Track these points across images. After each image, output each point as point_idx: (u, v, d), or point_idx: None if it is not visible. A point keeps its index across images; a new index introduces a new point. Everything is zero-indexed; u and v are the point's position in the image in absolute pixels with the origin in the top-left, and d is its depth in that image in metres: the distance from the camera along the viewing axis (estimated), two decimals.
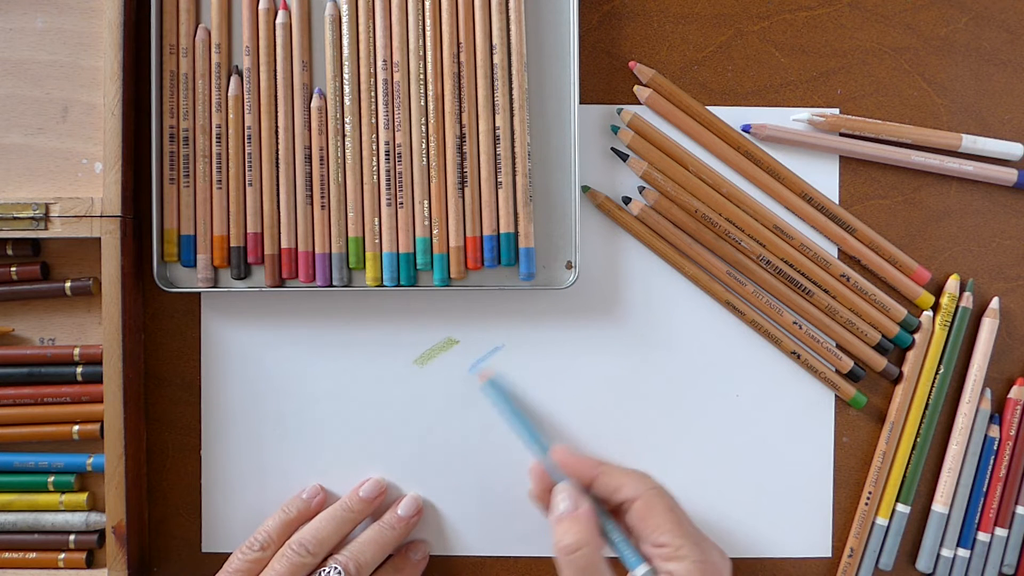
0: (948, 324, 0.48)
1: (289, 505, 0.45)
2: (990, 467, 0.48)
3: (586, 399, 0.48)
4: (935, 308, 0.48)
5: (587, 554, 0.39)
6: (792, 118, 0.48)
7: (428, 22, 0.45)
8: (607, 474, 0.42)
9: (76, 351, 0.46)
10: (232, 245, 0.45)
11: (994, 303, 0.48)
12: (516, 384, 0.48)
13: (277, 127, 0.45)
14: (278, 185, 0.45)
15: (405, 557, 0.46)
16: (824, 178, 0.48)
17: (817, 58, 0.48)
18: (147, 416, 0.48)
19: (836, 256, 0.48)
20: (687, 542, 0.39)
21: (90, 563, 0.46)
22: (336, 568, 0.42)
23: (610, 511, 0.42)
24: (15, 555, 0.46)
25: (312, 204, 0.46)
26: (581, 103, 0.47)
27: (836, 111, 0.48)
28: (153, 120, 0.45)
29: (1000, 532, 0.48)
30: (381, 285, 0.46)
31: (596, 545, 0.39)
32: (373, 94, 0.45)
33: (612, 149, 0.47)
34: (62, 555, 0.46)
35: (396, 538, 0.45)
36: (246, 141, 0.45)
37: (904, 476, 0.48)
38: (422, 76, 0.45)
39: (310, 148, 0.45)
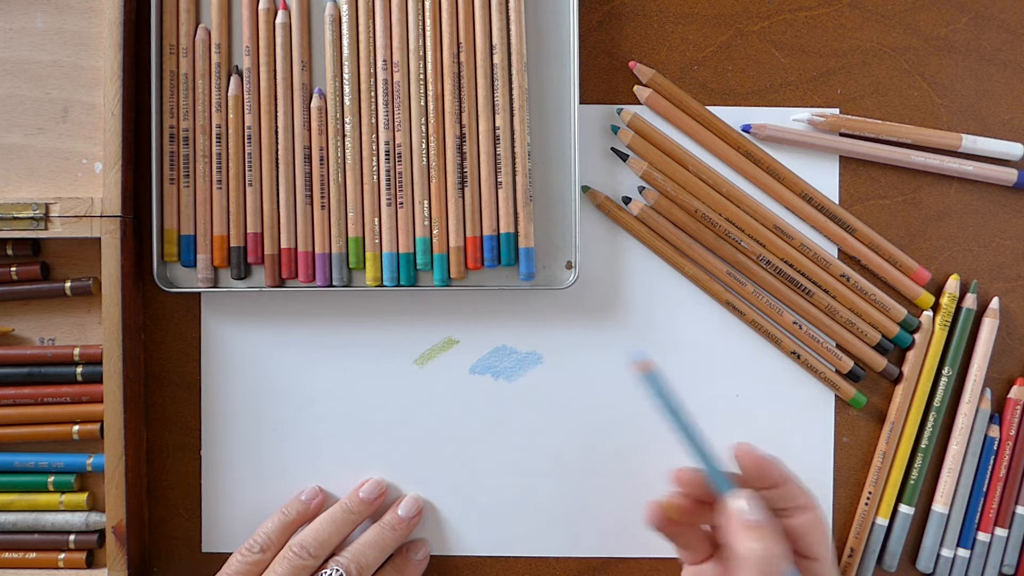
0: (948, 324, 0.48)
1: (288, 507, 0.45)
2: (990, 467, 0.48)
3: (586, 399, 0.48)
4: (935, 308, 0.48)
5: (784, 561, 0.37)
6: (792, 118, 0.48)
7: (428, 22, 0.45)
8: (790, 483, 0.40)
9: (76, 351, 0.46)
10: (232, 245, 0.45)
11: (994, 303, 0.48)
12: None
13: (277, 127, 0.45)
14: (278, 185, 0.45)
15: (406, 557, 0.46)
16: (824, 178, 0.48)
17: (817, 58, 0.48)
18: (147, 416, 0.48)
19: (836, 256, 0.48)
20: (835, 564, 0.40)
21: (90, 563, 0.46)
22: (337, 570, 0.42)
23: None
24: (15, 555, 0.46)
25: (312, 204, 0.46)
26: (581, 103, 0.47)
27: (836, 111, 0.48)
28: (153, 120, 0.45)
29: (1000, 532, 0.48)
30: (381, 285, 0.46)
31: (788, 559, 0.38)
32: (373, 94, 0.45)
33: (612, 149, 0.47)
34: (62, 555, 0.46)
35: (397, 539, 0.45)
36: (246, 141, 0.45)
37: (906, 476, 0.48)
38: (422, 76, 0.45)
39: (310, 148, 0.45)
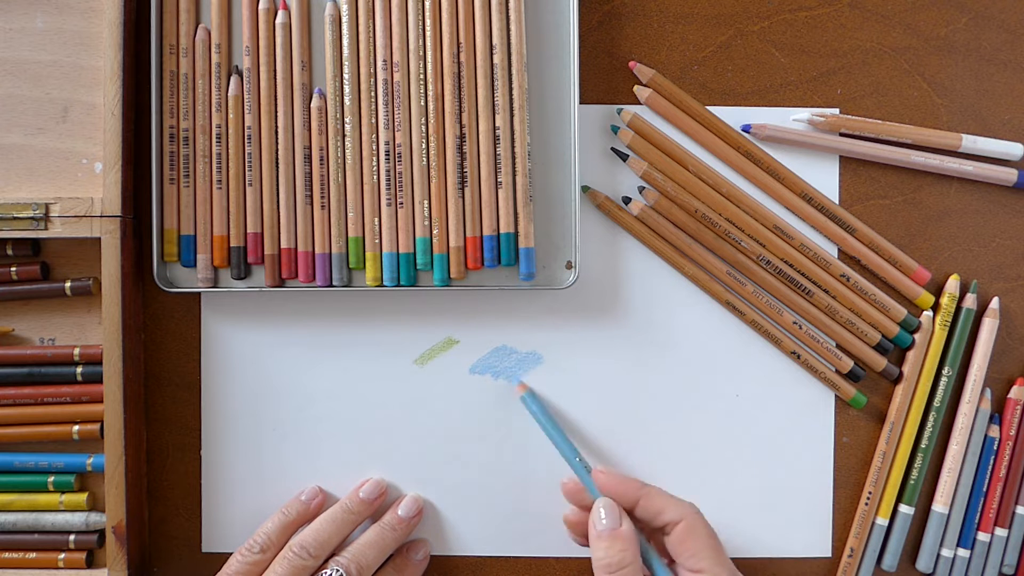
0: (948, 324, 0.48)
1: (288, 507, 0.45)
2: (990, 467, 0.48)
3: (586, 399, 0.48)
4: (935, 308, 0.48)
5: (631, 573, 0.39)
6: (792, 118, 0.48)
7: (428, 22, 0.45)
8: (650, 496, 0.41)
9: (76, 351, 0.46)
10: (232, 245, 0.45)
11: (994, 303, 0.48)
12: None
13: (277, 127, 0.45)
14: (278, 185, 0.45)
15: (406, 557, 0.46)
16: (824, 178, 0.48)
17: (817, 58, 0.48)
18: (147, 416, 0.48)
19: (836, 256, 0.48)
20: (724, 571, 0.39)
21: (90, 563, 0.46)
22: (337, 570, 0.42)
23: (647, 533, 0.42)
24: (15, 555, 0.46)
25: (312, 204, 0.46)
26: (581, 103, 0.47)
27: (836, 111, 0.48)
28: (153, 120, 0.45)
29: (1000, 532, 0.48)
30: (381, 285, 0.46)
31: (638, 564, 0.39)
32: (373, 94, 0.45)
33: (612, 149, 0.47)
34: (62, 555, 0.46)
35: (397, 539, 0.45)
36: (246, 141, 0.45)
37: (906, 476, 0.48)
38: (422, 76, 0.45)
39: (310, 148, 0.45)
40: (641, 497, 0.41)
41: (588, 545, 0.44)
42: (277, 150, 0.45)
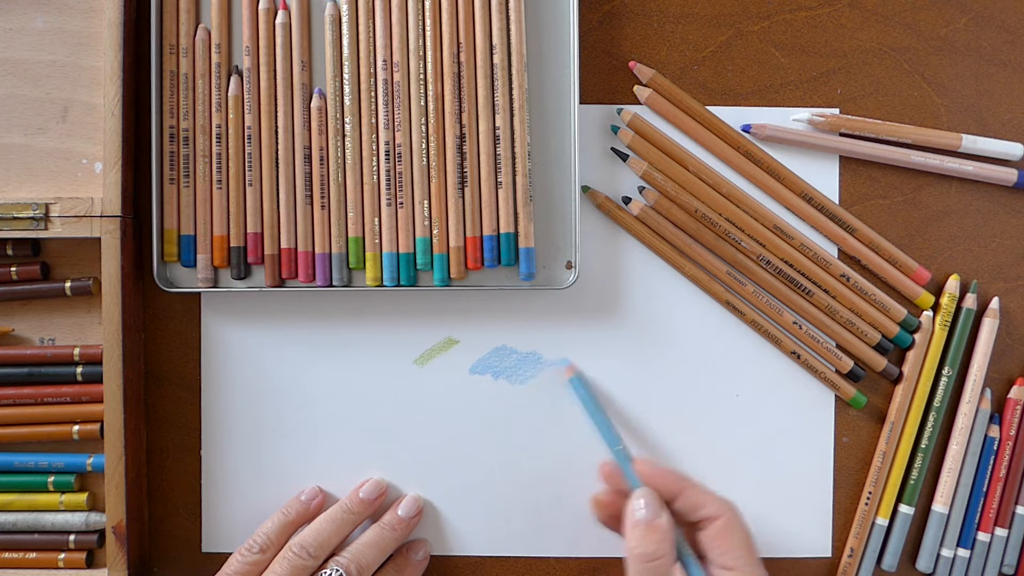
0: (948, 324, 0.48)
1: (288, 507, 0.45)
2: (990, 467, 0.48)
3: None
4: (935, 308, 0.48)
5: (664, 564, 0.38)
6: (792, 118, 0.48)
7: (428, 22, 0.45)
8: (692, 490, 0.41)
9: (76, 351, 0.46)
10: (232, 245, 0.45)
11: (994, 303, 0.48)
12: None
13: (277, 127, 0.45)
14: (278, 185, 0.45)
15: (406, 557, 0.46)
16: (824, 178, 0.48)
17: (817, 58, 0.48)
18: (147, 416, 0.48)
19: (836, 256, 0.48)
20: (756, 571, 0.39)
21: (90, 563, 0.46)
22: (337, 570, 0.42)
23: (680, 527, 0.42)
24: (15, 555, 0.46)
25: (312, 204, 0.46)
26: (581, 103, 0.47)
27: (836, 111, 0.48)
28: (153, 120, 0.45)
29: (1000, 532, 0.48)
30: (381, 285, 0.46)
31: (672, 557, 0.39)
32: (373, 94, 0.45)
33: (612, 149, 0.47)
34: (62, 555, 0.46)
35: (397, 539, 0.45)
36: (246, 141, 0.45)
37: (906, 476, 0.48)
38: (422, 76, 0.45)
39: (310, 148, 0.45)
40: (682, 490, 0.41)
41: (610, 526, 0.44)
42: (277, 150, 0.45)
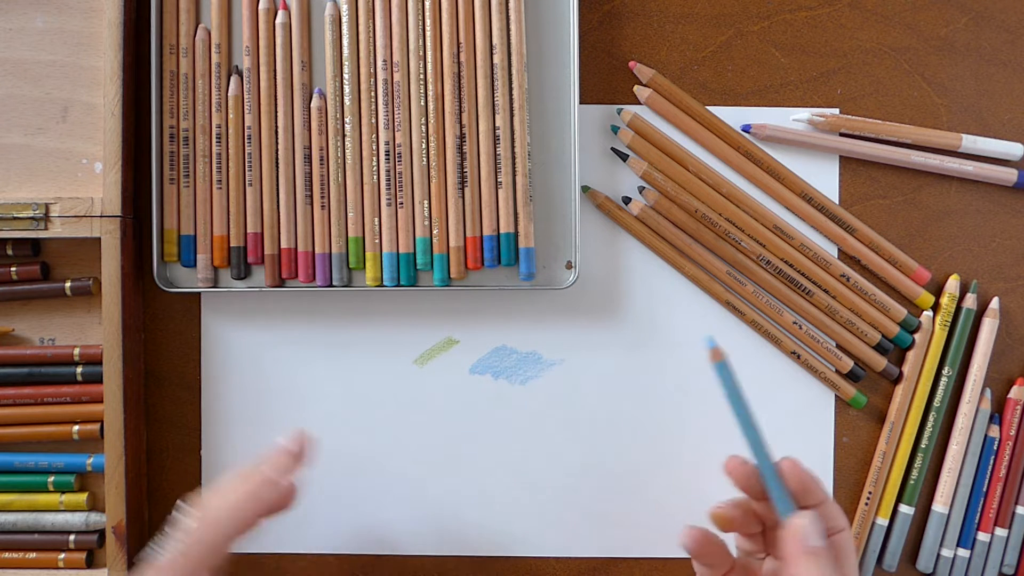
0: (948, 324, 0.48)
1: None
2: (990, 467, 0.48)
3: (585, 399, 0.48)
4: (935, 308, 0.48)
5: None
6: (792, 118, 0.48)
7: (428, 22, 0.45)
8: (831, 506, 0.38)
9: (76, 351, 0.46)
10: (232, 245, 0.45)
11: (994, 303, 0.48)
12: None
13: (277, 127, 0.45)
14: (278, 185, 0.45)
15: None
16: (824, 178, 0.48)
17: (817, 58, 0.48)
18: (147, 416, 0.48)
19: (836, 256, 0.48)
20: None
21: (90, 563, 0.46)
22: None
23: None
24: (15, 555, 0.46)
25: (312, 204, 0.46)
26: (581, 103, 0.47)
27: (836, 111, 0.48)
28: (153, 120, 0.45)
29: (1000, 532, 0.48)
30: (381, 285, 0.46)
31: None
32: (373, 94, 0.45)
33: (612, 149, 0.47)
34: (62, 555, 0.46)
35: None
36: (246, 141, 0.45)
37: (906, 476, 0.48)
38: (422, 76, 0.45)
39: (310, 148, 0.45)
40: (823, 502, 0.38)
41: (702, 556, 0.39)
42: (277, 150, 0.45)
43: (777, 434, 0.48)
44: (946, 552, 0.48)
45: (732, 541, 0.40)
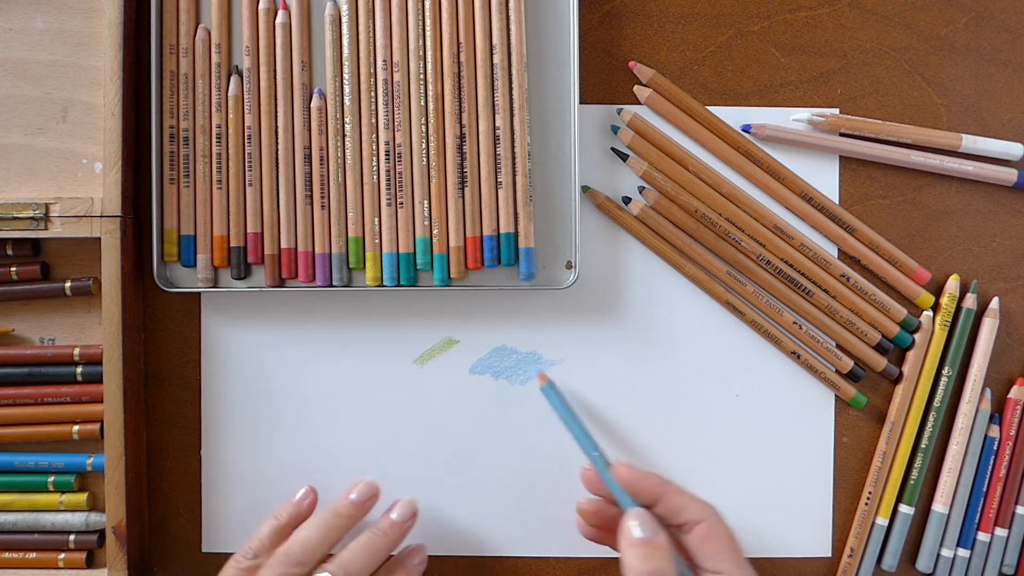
0: (948, 324, 0.48)
1: (280, 510, 0.44)
2: (990, 467, 0.48)
3: (585, 399, 0.48)
4: (935, 308, 0.48)
5: None
6: (792, 118, 0.48)
7: (428, 22, 0.45)
8: (672, 494, 0.41)
9: (76, 351, 0.46)
10: (232, 245, 0.45)
11: (994, 303, 0.48)
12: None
13: (277, 127, 0.45)
14: (278, 185, 0.45)
15: (401, 563, 0.45)
16: (824, 178, 0.48)
17: (817, 58, 0.48)
18: (147, 416, 0.48)
19: (836, 256, 0.48)
20: (744, 573, 0.39)
21: (90, 563, 0.46)
22: None
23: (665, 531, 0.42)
24: (15, 555, 0.46)
25: (312, 204, 0.46)
26: (581, 103, 0.47)
27: (836, 111, 0.48)
28: (153, 120, 0.45)
29: (1000, 532, 0.48)
30: (381, 285, 0.46)
31: (674, 574, 0.38)
32: (373, 94, 0.45)
33: (612, 149, 0.47)
34: (62, 555, 0.46)
35: (389, 544, 0.43)
36: (246, 141, 0.45)
37: (906, 476, 0.48)
38: (422, 76, 0.45)
39: (310, 148, 0.45)
40: (663, 494, 0.41)
41: (596, 539, 0.44)
42: (277, 150, 0.45)
43: (777, 434, 0.48)
44: (946, 552, 0.48)
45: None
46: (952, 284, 0.48)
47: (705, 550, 0.40)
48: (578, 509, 0.44)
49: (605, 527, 0.44)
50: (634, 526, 0.39)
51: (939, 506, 0.48)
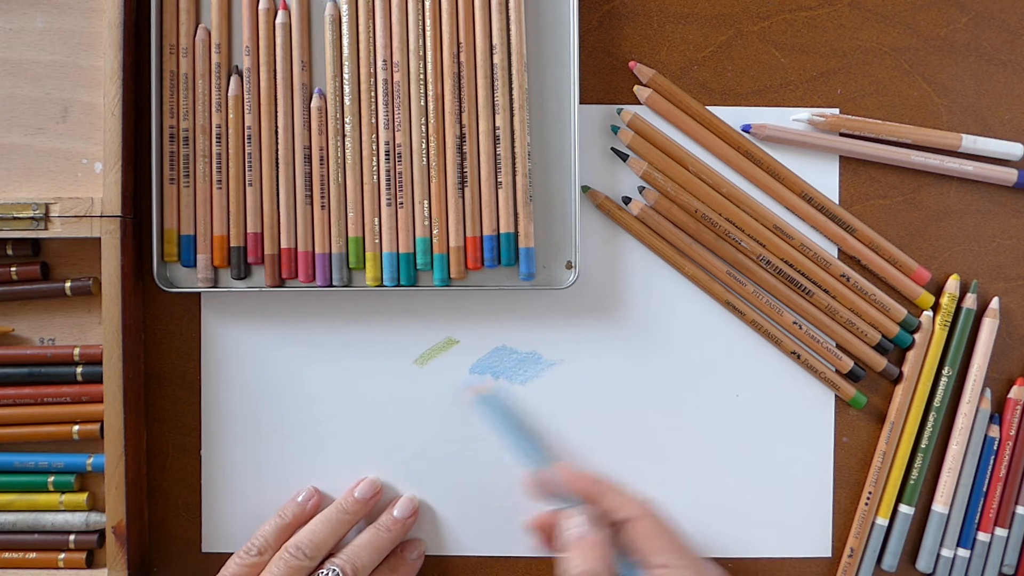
0: (948, 324, 0.48)
1: (284, 509, 0.45)
2: (990, 467, 0.48)
3: (585, 399, 0.48)
4: (935, 308, 0.48)
5: None
6: (792, 118, 0.48)
7: (428, 22, 0.45)
8: (605, 495, 0.42)
9: (76, 351, 0.46)
10: (232, 245, 0.45)
11: (994, 303, 0.48)
12: (513, 397, 0.48)
13: (277, 127, 0.45)
14: (278, 185, 0.45)
15: (401, 557, 0.46)
16: (824, 178, 0.48)
17: (817, 58, 0.48)
18: (147, 416, 0.48)
19: (836, 256, 0.48)
20: (689, 563, 0.39)
21: (90, 563, 0.46)
22: (334, 570, 0.42)
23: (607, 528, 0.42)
24: (15, 555, 0.46)
25: (312, 204, 0.46)
26: (581, 103, 0.47)
27: (836, 111, 0.48)
28: (153, 120, 0.45)
29: (1000, 532, 0.48)
30: (381, 285, 0.46)
31: (612, 571, 0.39)
32: (373, 94, 0.45)
33: (612, 149, 0.47)
34: (62, 555, 0.46)
35: (392, 540, 0.45)
36: (246, 141, 0.45)
37: (906, 476, 0.48)
38: (422, 76, 0.45)
39: (310, 148, 0.45)
40: (601, 493, 0.42)
41: (552, 548, 0.44)
42: (277, 150, 0.45)
43: (777, 434, 0.48)
44: (946, 552, 0.48)
45: None
46: (952, 284, 0.48)
47: (646, 546, 0.40)
48: (531, 523, 0.44)
49: (553, 535, 0.44)
50: (566, 527, 0.40)
51: (939, 506, 0.48)
